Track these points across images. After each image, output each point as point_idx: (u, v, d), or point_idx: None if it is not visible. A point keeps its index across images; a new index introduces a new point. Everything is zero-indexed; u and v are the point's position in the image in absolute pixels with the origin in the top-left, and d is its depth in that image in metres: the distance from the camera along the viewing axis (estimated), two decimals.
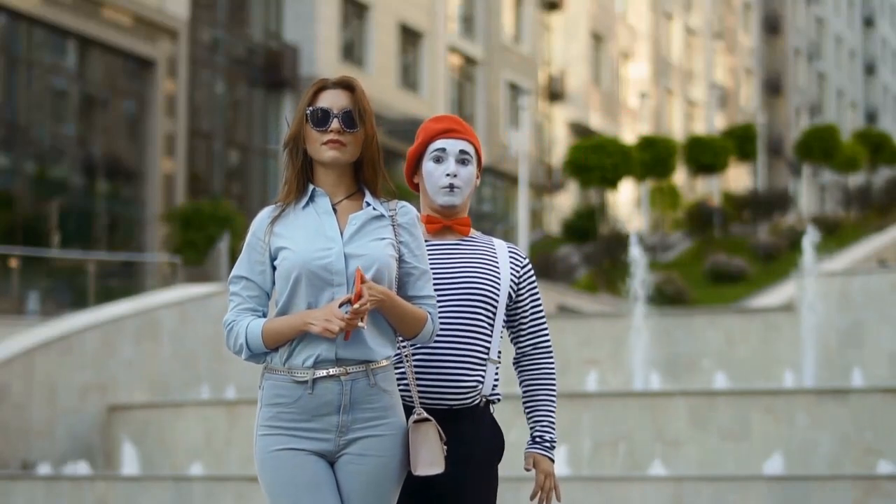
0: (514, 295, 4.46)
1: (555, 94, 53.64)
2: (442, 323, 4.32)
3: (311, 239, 4.06)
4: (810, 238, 16.60)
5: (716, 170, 43.00)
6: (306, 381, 4.02)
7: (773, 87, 74.21)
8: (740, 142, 46.21)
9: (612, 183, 37.31)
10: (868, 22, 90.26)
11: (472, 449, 4.31)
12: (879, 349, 15.65)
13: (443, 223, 4.44)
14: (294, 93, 36.46)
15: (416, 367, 4.29)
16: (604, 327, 17.38)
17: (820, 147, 45.41)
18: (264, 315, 4.12)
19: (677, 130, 61.02)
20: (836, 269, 20.29)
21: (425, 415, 4.13)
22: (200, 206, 29.49)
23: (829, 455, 12.18)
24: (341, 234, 4.07)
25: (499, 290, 4.40)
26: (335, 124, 4.08)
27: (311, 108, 4.12)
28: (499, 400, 4.46)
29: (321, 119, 4.10)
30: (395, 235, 4.13)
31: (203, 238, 27.86)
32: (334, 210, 4.12)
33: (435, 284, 4.31)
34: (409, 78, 43.59)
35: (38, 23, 29.19)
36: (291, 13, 38.05)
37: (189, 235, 28.30)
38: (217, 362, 16.59)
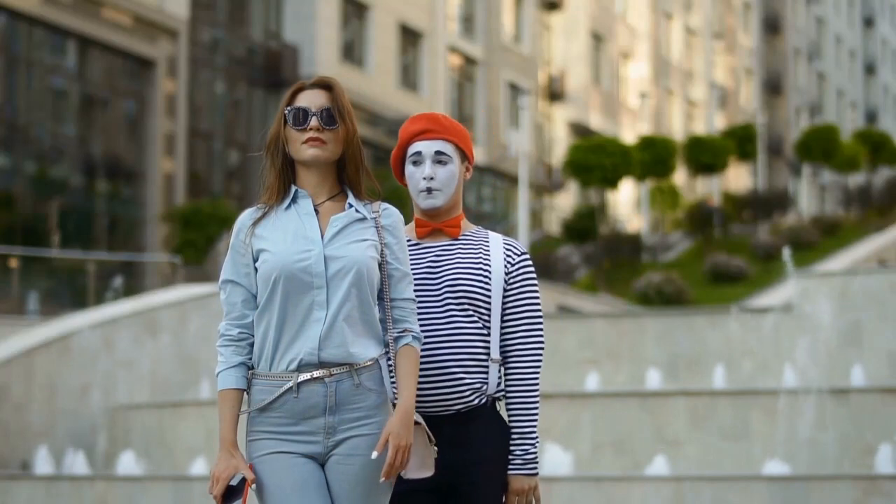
0: (507, 289, 4.36)
1: (555, 94, 53.64)
2: (436, 329, 4.28)
3: (291, 241, 4.06)
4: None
5: (716, 170, 42.99)
6: (291, 386, 4.03)
7: (773, 87, 74.21)
8: (740, 142, 46.19)
9: (612, 183, 37.29)
10: (868, 22, 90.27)
11: (483, 449, 4.27)
12: (879, 349, 15.64)
13: (431, 226, 4.37)
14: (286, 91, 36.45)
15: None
16: (604, 327, 17.36)
17: (820, 147, 45.41)
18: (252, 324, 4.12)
19: (677, 130, 61.03)
20: (836, 269, 20.32)
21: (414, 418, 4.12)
22: (200, 206, 29.50)
23: (829, 455, 12.18)
24: (322, 235, 4.08)
25: (490, 287, 4.31)
26: (314, 122, 4.10)
27: (289, 108, 4.14)
28: (504, 396, 4.39)
29: (300, 118, 4.11)
30: (379, 238, 4.13)
31: (203, 238, 27.86)
32: (316, 211, 4.13)
33: (425, 289, 4.30)
34: (409, 78, 43.58)
35: (38, 23, 29.19)
36: (291, 13, 38.05)
37: (189, 235, 28.31)
38: (217, 362, 16.58)
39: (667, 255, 39.81)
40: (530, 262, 4.45)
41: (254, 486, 3.99)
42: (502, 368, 4.37)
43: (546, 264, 34.45)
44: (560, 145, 52.14)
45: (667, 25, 63.73)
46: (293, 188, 4.16)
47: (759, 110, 63.74)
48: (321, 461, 4.07)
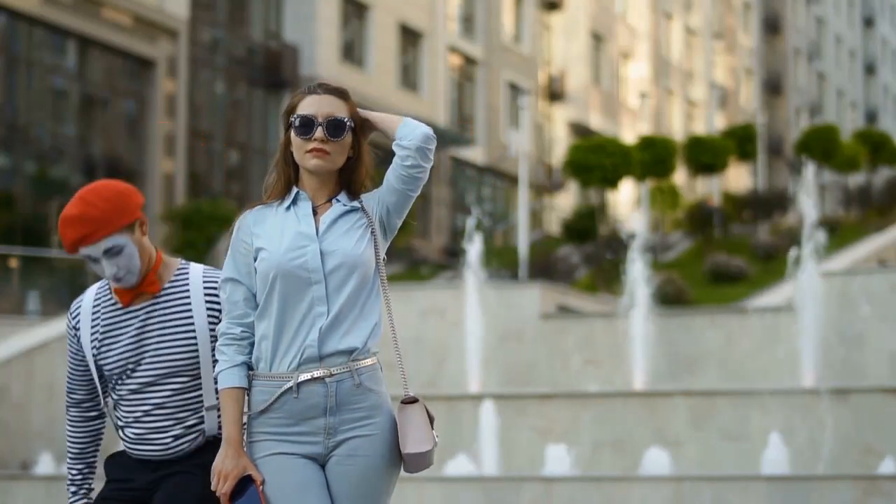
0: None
1: (555, 94, 53.64)
2: (153, 403, 4.40)
3: (287, 239, 4.06)
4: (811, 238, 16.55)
5: (716, 170, 42.95)
6: (291, 386, 4.01)
7: (773, 87, 74.21)
8: (740, 142, 46.13)
9: (612, 183, 37.26)
10: (868, 22, 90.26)
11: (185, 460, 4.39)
12: (879, 349, 15.65)
13: (132, 293, 4.36)
14: (294, 93, 36.51)
15: (130, 437, 4.53)
16: (604, 327, 17.36)
17: (820, 147, 45.37)
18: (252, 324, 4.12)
19: (677, 130, 61.02)
20: (836, 269, 20.33)
21: (412, 395, 4.13)
22: (200, 206, 29.50)
23: (830, 455, 12.19)
24: (317, 233, 4.07)
25: (196, 351, 4.33)
26: (319, 133, 4.09)
27: (295, 116, 4.13)
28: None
29: (305, 127, 4.09)
30: (367, 213, 4.12)
31: (203, 238, 27.87)
32: (315, 212, 4.12)
33: (135, 362, 4.36)
34: (409, 78, 43.58)
35: (38, 23, 29.20)
36: (291, 13, 38.05)
37: (189, 235, 28.31)
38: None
39: (667, 255, 39.78)
40: None
41: (261, 486, 4.00)
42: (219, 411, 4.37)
43: (546, 264, 34.44)
44: (560, 145, 52.13)
45: (667, 25, 63.72)
46: (294, 190, 4.16)
47: (759, 110, 63.73)
48: (321, 462, 4.06)
